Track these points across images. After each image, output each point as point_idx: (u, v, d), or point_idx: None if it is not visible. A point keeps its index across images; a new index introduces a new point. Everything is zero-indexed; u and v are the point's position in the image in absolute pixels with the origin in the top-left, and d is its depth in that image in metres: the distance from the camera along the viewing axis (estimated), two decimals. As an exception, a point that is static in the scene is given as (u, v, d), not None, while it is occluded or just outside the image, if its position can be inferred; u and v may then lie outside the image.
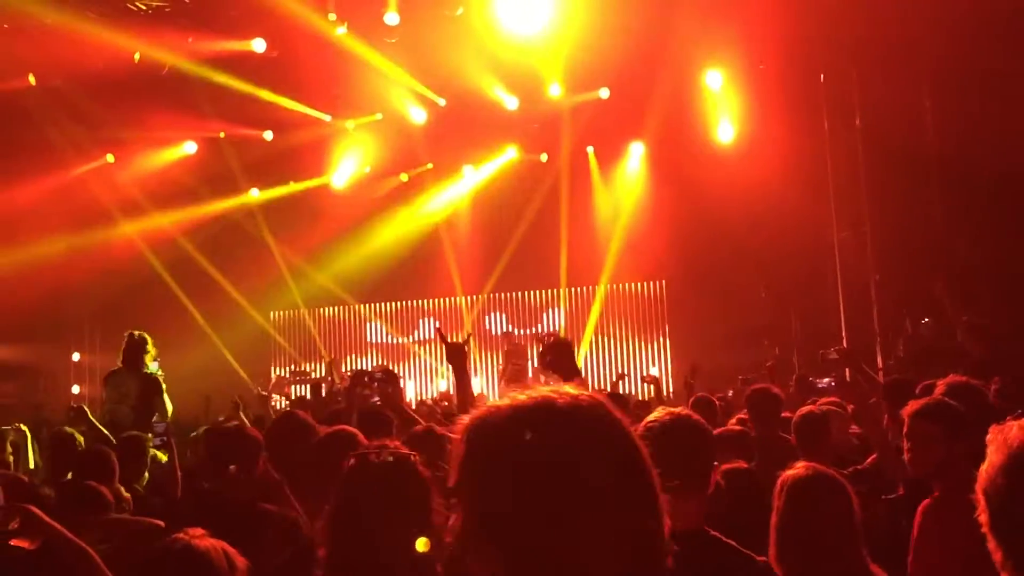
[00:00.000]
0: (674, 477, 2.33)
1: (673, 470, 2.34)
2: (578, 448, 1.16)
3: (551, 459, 1.15)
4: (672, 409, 2.61)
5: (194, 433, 6.96)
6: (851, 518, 2.73)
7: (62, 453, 5.68)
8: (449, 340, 4.04)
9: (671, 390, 13.09)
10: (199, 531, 2.13)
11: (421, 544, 1.24)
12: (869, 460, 4.78)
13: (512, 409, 1.19)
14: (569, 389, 1.22)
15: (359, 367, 15.31)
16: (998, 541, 1.50)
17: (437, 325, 16.84)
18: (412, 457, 2.27)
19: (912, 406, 3.61)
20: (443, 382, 16.81)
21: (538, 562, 1.12)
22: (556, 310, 17.32)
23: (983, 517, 1.53)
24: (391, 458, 2.26)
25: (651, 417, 2.54)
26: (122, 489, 4.54)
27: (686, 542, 2.35)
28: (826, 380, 8.44)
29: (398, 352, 18.00)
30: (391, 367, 16.56)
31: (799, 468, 2.83)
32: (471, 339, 15.37)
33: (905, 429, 3.59)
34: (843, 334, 12.26)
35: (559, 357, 3.79)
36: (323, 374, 16.96)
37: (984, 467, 1.55)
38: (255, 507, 3.29)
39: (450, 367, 4.00)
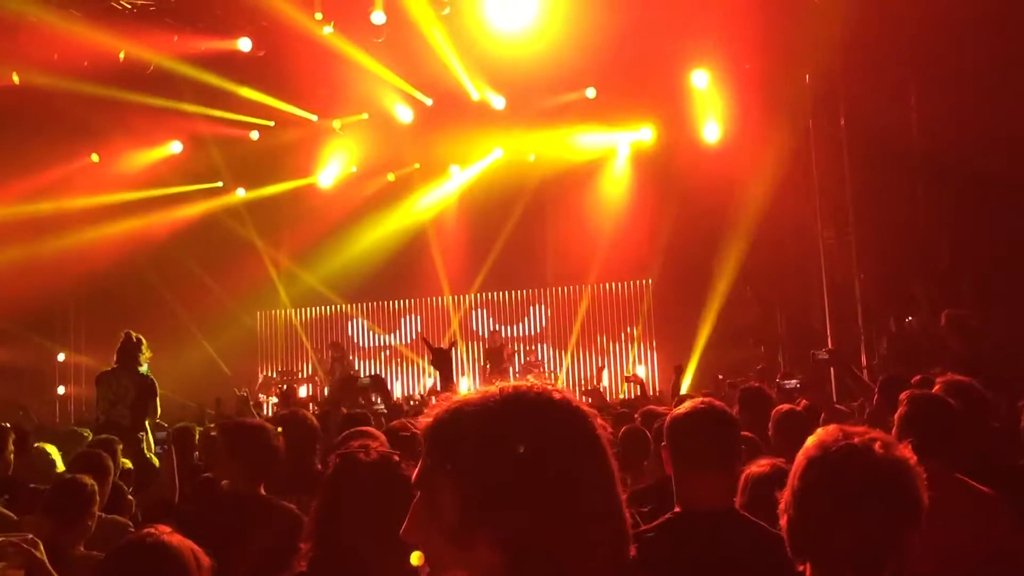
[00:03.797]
0: (703, 459, 2.43)
1: (701, 452, 2.45)
2: (559, 432, 1.21)
3: (541, 443, 1.18)
4: (695, 398, 2.80)
5: (211, 425, 6.96)
6: None
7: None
8: (434, 346, 4.14)
9: (658, 389, 13.13)
10: (167, 528, 2.16)
11: (415, 558, 1.25)
12: None
13: (494, 398, 1.22)
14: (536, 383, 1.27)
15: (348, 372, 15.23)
16: None
17: (420, 331, 16.81)
18: (395, 456, 2.34)
19: None
20: (430, 380, 16.79)
21: (539, 544, 1.14)
22: (542, 308, 17.35)
23: None
24: (376, 456, 2.33)
25: (678, 409, 2.72)
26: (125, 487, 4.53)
27: (715, 520, 2.42)
28: (792, 381, 8.45)
29: (384, 351, 17.98)
30: (378, 369, 16.65)
31: (763, 465, 2.99)
32: (456, 345, 15.36)
33: None
34: (828, 333, 12.31)
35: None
36: (309, 374, 17.01)
37: None
38: (260, 498, 3.33)
39: (437, 372, 4.09)
